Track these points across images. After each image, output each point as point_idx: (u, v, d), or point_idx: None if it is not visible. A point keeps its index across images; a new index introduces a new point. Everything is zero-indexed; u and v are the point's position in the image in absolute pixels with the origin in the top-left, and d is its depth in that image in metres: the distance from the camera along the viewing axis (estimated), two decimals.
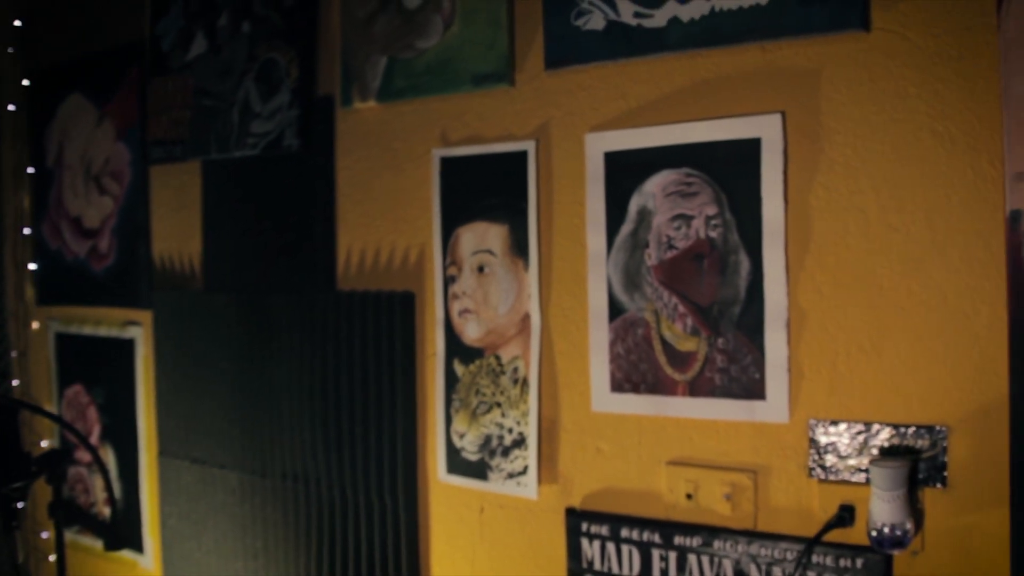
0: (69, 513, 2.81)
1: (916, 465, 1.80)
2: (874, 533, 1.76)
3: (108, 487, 2.69)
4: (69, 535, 3.32)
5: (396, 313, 2.48)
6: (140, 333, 3.14)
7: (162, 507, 3.05)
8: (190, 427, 2.94)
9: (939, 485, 1.80)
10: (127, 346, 3.16)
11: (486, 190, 2.33)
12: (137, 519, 3.18)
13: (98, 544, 2.96)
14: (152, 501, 3.14)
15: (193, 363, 2.93)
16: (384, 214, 2.55)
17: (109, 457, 3.27)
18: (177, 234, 3.03)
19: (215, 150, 2.84)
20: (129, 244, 3.16)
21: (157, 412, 3.06)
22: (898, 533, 1.75)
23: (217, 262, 2.93)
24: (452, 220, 2.40)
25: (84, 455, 3.32)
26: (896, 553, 1.81)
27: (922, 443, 1.80)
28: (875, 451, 1.84)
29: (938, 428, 1.79)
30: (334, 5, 2.63)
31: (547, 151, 2.25)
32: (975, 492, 1.77)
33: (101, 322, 3.29)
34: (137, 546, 3.18)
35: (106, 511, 3.25)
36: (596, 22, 2.12)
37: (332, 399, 2.58)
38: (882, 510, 1.75)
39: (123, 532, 3.05)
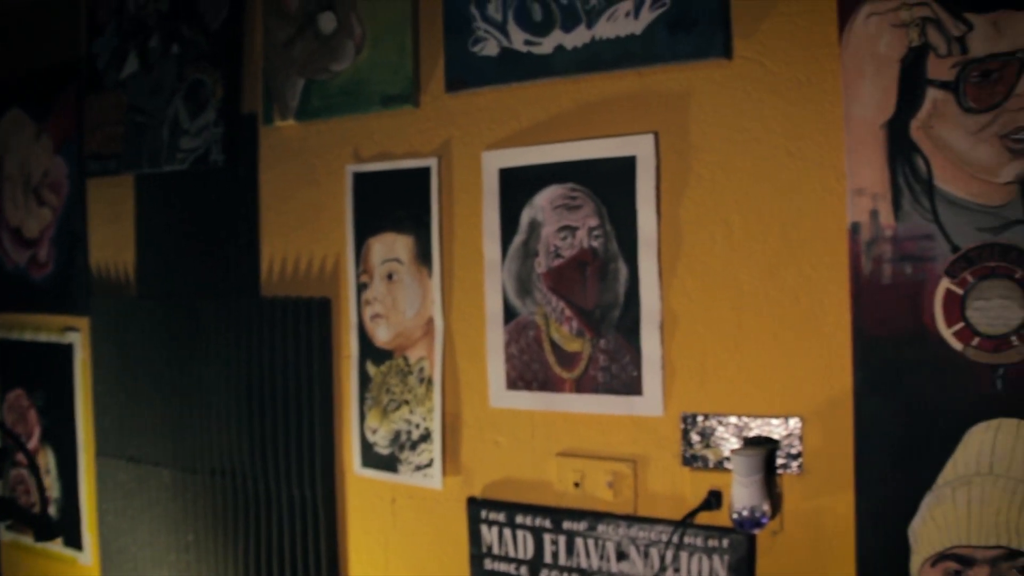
0: (2, 508, 2.85)
1: (774, 453, 1.90)
2: (735, 515, 1.86)
3: (38, 481, 2.73)
4: (10, 535, 3.37)
5: (314, 318, 2.56)
6: (78, 338, 3.18)
7: (100, 504, 3.09)
8: (126, 427, 2.99)
9: (795, 471, 1.90)
10: (66, 351, 3.20)
11: (394, 203, 2.42)
12: (76, 517, 3.21)
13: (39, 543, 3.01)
14: (90, 499, 3.17)
15: (128, 366, 2.97)
16: (303, 225, 2.62)
17: (49, 458, 3.30)
18: (113, 244, 3.08)
19: (147, 164, 2.89)
20: (67, 253, 3.20)
21: (95, 413, 3.10)
22: (757, 515, 1.86)
23: (150, 270, 2.98)
24: (364, 231, 2.48)
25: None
26: (757, 532, 1.91)
27: (780, 433, 1.91)
28: (739, 441, 1.94)
29: (793, 419, 1.89)
30: (256, 29, 2.69)
31: (448, 167, 2.34)
32: (826, 477, 1.87)
33: (41, 328, 3.32)
34: (76, 543, 3.22)
35: (48, 508, 3.28)
36: (491, 49, 2.21)
37: (256, 398, 2.64)
38: (742, 494, 1.85)
39: (52, 523, 3.08)
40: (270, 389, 2.62)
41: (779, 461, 1.91)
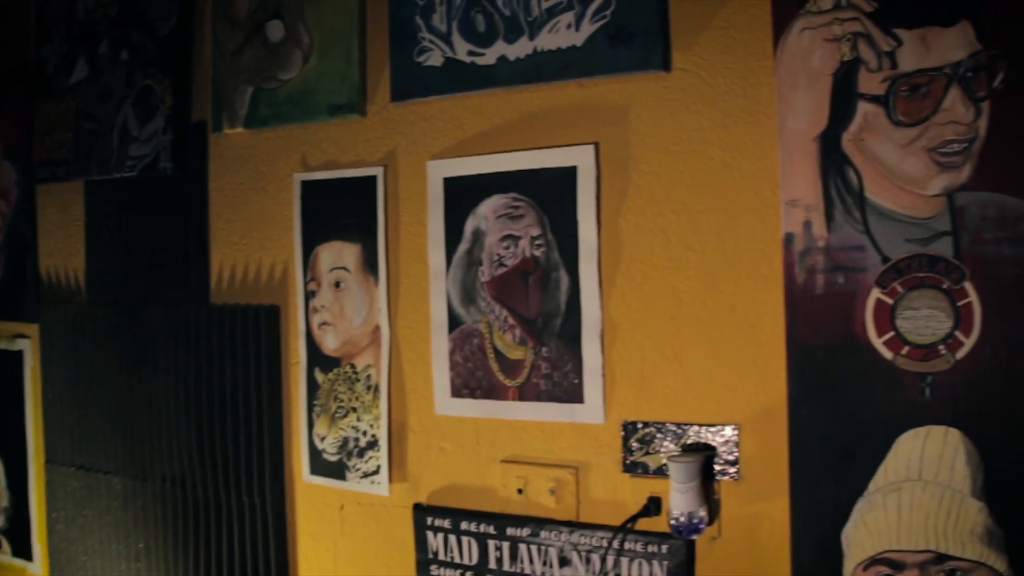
0: None
1: (711, 460, 1.91)
2: (673, 521, 1.87)
3: None
4: None
5: (262, 325, 2.54)
6: (28, 345, 3.13)
7: (50, 513, 3.05)
8: (76, 435, 2.95)
9: (732, 478, 1.90)
10: (15, 358, 3.15)
11: (341, 211, 2.40)
12: (26, 526, 3.17)
13: None
14: (40, 508, 3.13)
15: (79, 373, 2.94)
16: (252, 233, 2.60)
17: None
18: (63, 250, 3.04)
19: (97, 171, 2.86)
20: (17, 259, 3.16)
21: (44, 421, 3.06)
22: (694, 521, 1.86)
23: (100, 277, 2.95)
24: (312, 239, 2.47)
25: None
26: (695, 538, 1.92)
27: (718, 440, 1.92)
28: (678, 448, 1.95)
29: (731, 426, 1.90)
30: (206, 37, 2.67)
31: (394, 176, 2.33)
32: (762, 483, 1.88)
33: None
34: (26, 553, 3.17)
35: None
36: (435, 59, 2.21)
37: (206, 406, 2.62)
38: (679, 500, 1.86)
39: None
40: (220, 396, 2.60)
41: (717, 468, 1.91)
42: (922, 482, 1.71)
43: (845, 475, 1.77)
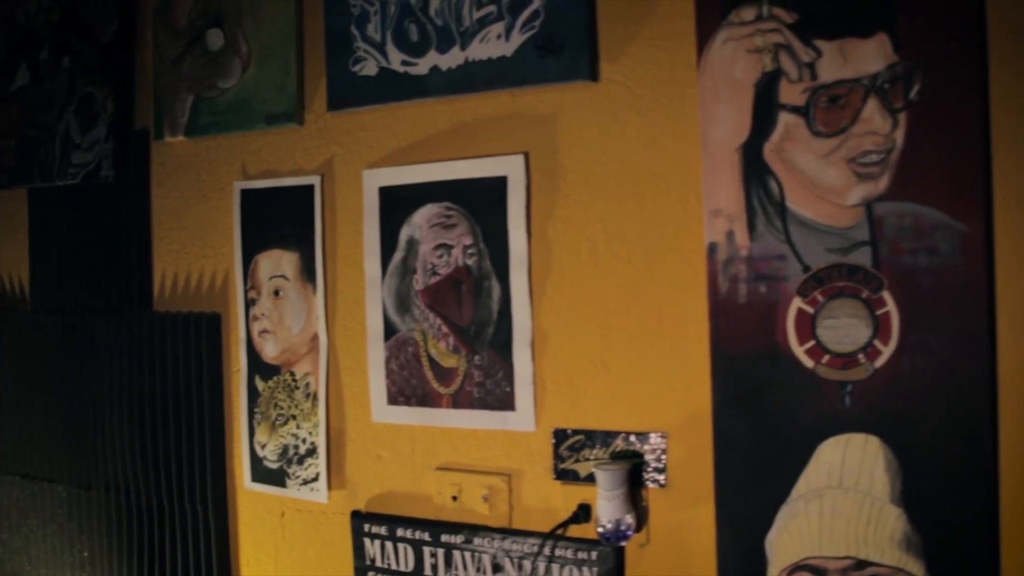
0: None
1: (638, 467, 1.89)
2: (600, 528, 1.85)
3: None
4: None
5: (204, 333, 2.50)
6: None
7: None
8: (20, 443, 2.89)
9: (660, 485, 1.88)
10: None
11: (280, 220, 2.36)
12: None
13: None
14: None
15: (23, 381, 2.88)
16: (194, 241, 2.55)
17: None
18: (6, 258, 2.98)
19: (39, 179, 2.80)
20: None
21: None
22: (622, 528, 1.84)
23: (44, 285, 2.89)
24: (251, 247, 2.43)
25: None
26: (622, 545, 1.89)
27: (646, 448, 1.89)
28: (606, 455, 1.92)
29: (658, 434, 1.88)
30: (147, 44, 2.62)
31: (331, 185, 2.29)
32: (689, 490, 1.86)
33: None
34: None
35: None
36: (370, 68, 2.17)
37: (149, 413, 2.57)
38: (605, 508, 1.84)
39: None
40: (163, 404, 2.56)
41: (645, 475, 1.89)
42: (843, 489, 1.69)
43: (768, 482, 1.75)
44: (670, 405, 1.86)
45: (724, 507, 1.80)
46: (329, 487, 2.31)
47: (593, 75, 1.92)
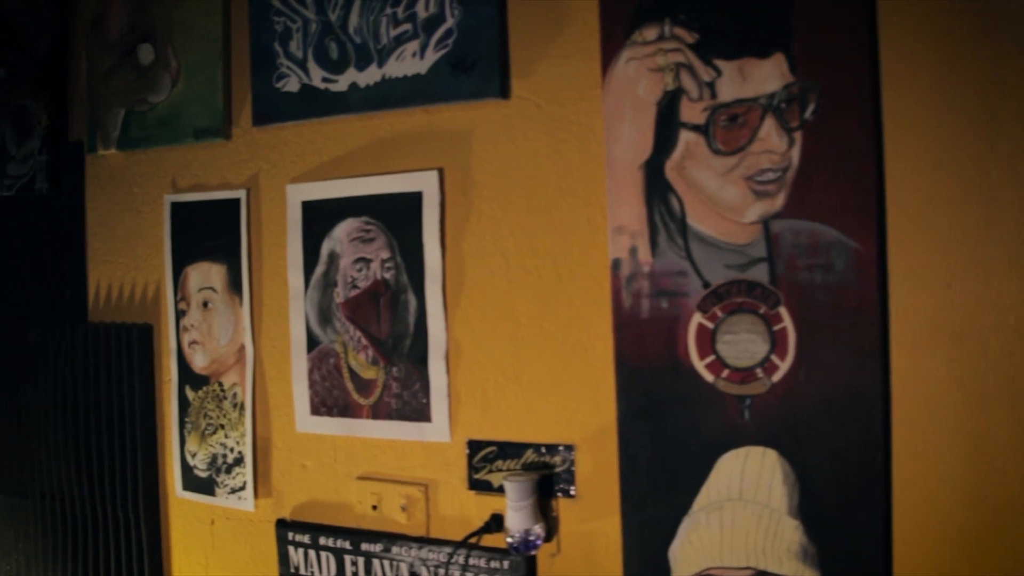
0: None
1: (548, 478, 1.84)
2: (510, 538, 1.80)
3: None
4: None
5: (135, 344, 2.43)
6: None
7: None
8: None
9: (570, 495, 1.84)
10: None
11: (209, 233, 2.30)
12: None
13: None
14: None
15: None
16: (126, 252, 2.49)
17: None
18: None
19: None
20: None
21: None
22: (530, 538, 1.79)
23: None
24: (181, 259, 2.37)
25: None
26: (532, 554, 1.85)
27: (555, 459, 1.85)
28: (518, 467, 1.88)
29: (567, 446, 1.83)
30: (81, 56, 2.55)
31: (257, 199, 2.23)
32: (597, 502, 1.82)
33: None
34: None
35: None
36: (292, 85, 2.12)
37: (83, 423, 2.50)
38: (514, 518, 1.79)
39: None
40: (96, 413, 2.49)
41: (555, 486, 1.84)
42: (742, 501, 1.66)
43: (671, 494, 1.72)
44: (578, 418, 1.82)
45: (629, 518, 1.76)
46: (256, 496, 2.25)
47: (504, 93, 1.87)
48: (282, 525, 2.19)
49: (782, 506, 1.62)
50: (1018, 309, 1.49)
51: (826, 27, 1.58)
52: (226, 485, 2.29)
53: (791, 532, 1.62)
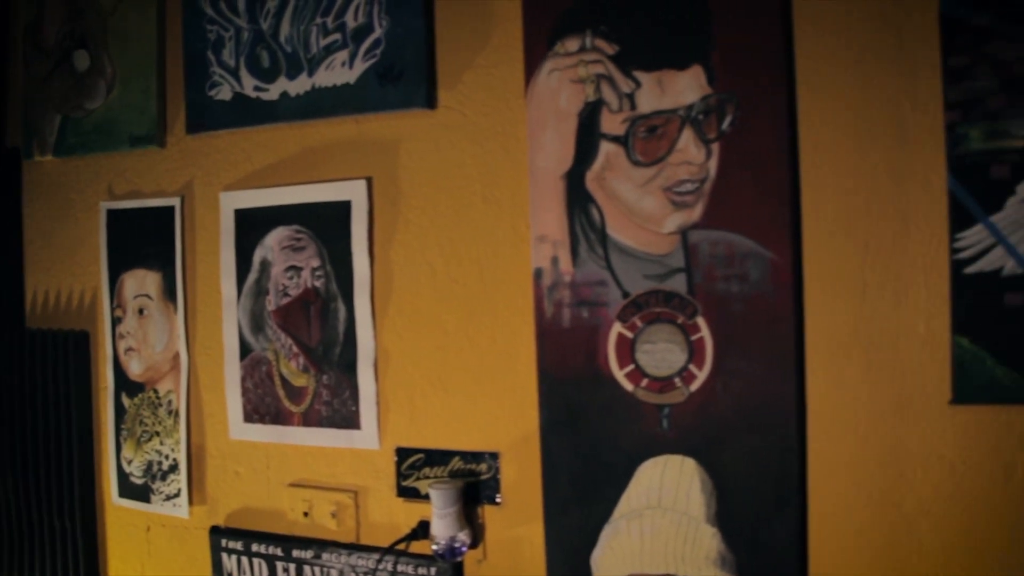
0: None
1: (475, 485, 1.81)
2: (435, 546, 1.77)
3: None
4: None
5: (72, 351, 2.37)
6: None
7: None
8: None
9: (495, 503, 1.80)
10: None
11: (144, 240, 2.25)
12: None
13: None
14: None
15: None
16: (64, 259, 2.42)
17: None
18: None
19: None
20: None
21: None
22: (455, 545, 1.76)
23: None
24: (118, 266, 2.30)
25: None
26: (458, 561, 1.81)
27: (481, 467, 1.81)
28: (445, 474, 1.84)
29: (492, 454, 1.80)
30: (19, 62, 2.48)
31: (191, 207, 2.18)
32: (522, 509, 1.79)
33: None
34: None
35: None
36: (225, 93, 2.07)
37: (19, 429, 2.43)
38: (439, 525, 1.75)
39: None
40: (32, 420, 2.42)
41: (481, 493, 1.81)
42: (661, 509, 1.63)
43: (592, 502, 1.69)
44: (503, 425, 1.79)
45: (552, 525, 1.73)
46: (191, 503, 2.19)
47: (431, 103, 1.83)
48: (216, 532, 2.13)
49: (700, 514, 1.60)
50: (928, 318, 1.47)
51: (743, 40, 1.55)
52: (161, 492, 2.24)
53: (709, 539, 1.59)
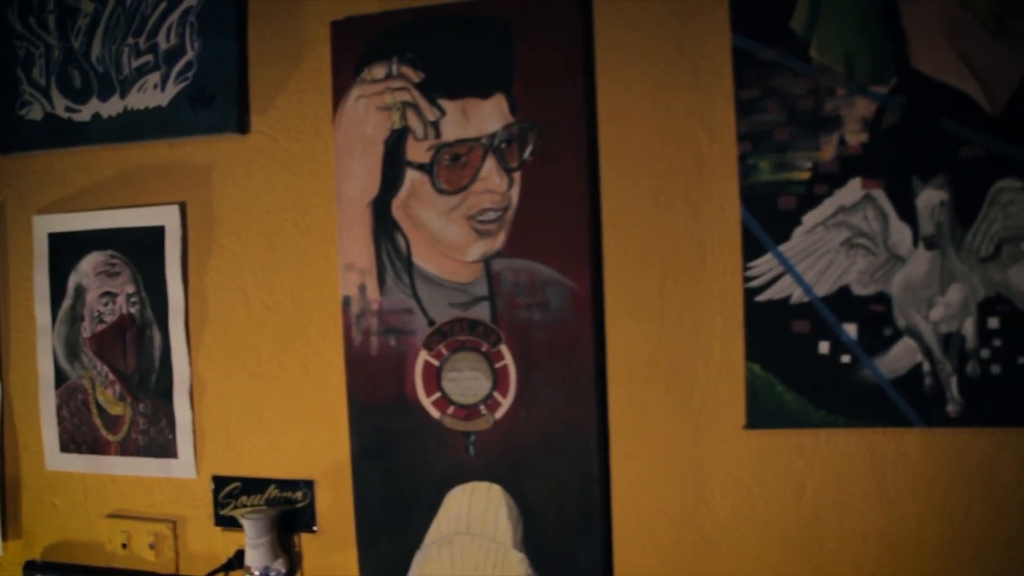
0: None
1: (291, 513, 1.71)
2: None
3: None
4: None
5: None
6: None
7: None
8: None
9: (311, 531, 1.71)
10: None
11: None
12: None
13: None
14: None
15: None
16: None
17: None
18: None
19: None
20: None
21: None
22: (270, 574, 1.66)
23: None
24: None
25: None
26: None
27: (296, 495, 1.72)
28: (262, 502, 1.74)
29: (307, 482, 1.71)
30: None
31: (3, 230, 2.01)
32: (336, 536, 1.70)
33: None
34: None
35: None
36: (36, 113, 1.91)
37: None
38: (253, 555, 1.66)
39: None
40: None
41: (297, 522, 1.71)
42: (471, 535, 1.56)
43: (404, 529, 1.61)
44: (317, 453, 1.70)
45: (365, 553, 1.65)
46: (4, 537, 2.03)
47: (243, 128, 1.73)
48: (30, 567, 1.97)
49: (508, 539, 1.54)
50: (724, 344, 1.45)
51: (545, 70, 1.50)
52: None
53: (517, 565, 1.53)
